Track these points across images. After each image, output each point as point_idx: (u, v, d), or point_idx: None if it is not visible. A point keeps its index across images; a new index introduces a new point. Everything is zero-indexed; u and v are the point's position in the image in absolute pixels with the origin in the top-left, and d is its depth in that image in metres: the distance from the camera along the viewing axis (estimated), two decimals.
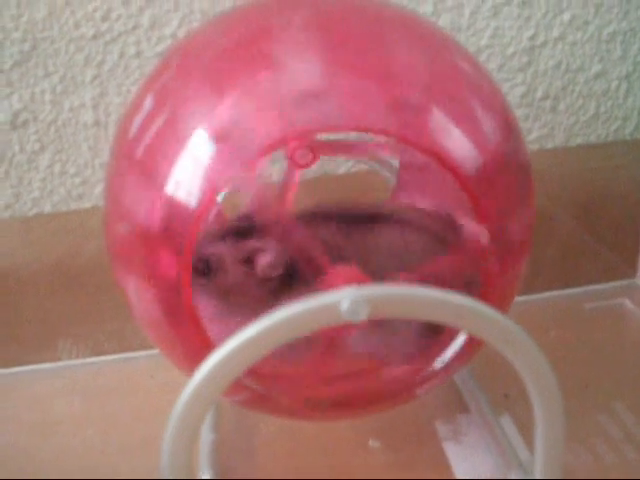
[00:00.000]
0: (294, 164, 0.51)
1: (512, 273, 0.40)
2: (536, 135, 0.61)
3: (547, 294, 0.62)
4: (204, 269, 0.40)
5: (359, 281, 0.35)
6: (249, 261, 0.39)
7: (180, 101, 0.38)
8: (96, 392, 0.56)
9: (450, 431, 0.49)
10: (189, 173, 0.36)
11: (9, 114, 0.56)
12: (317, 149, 0.51)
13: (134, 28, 0.55)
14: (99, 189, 0.58)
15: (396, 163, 0.55)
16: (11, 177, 0.57)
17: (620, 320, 0.59)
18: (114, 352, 0.60)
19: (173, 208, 0.36)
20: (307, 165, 0.52)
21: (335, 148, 0.55)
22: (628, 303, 0.60)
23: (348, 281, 0.36)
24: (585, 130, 0.61)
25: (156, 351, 0.57)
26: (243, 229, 0.40)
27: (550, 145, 0.61)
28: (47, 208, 0.59)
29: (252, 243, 0.39)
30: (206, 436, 0.48)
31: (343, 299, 0.31)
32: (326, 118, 0.35)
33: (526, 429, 0.47)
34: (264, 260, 0.39)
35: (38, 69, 0.55)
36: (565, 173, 0.61)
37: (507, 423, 0.48)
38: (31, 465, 0.50)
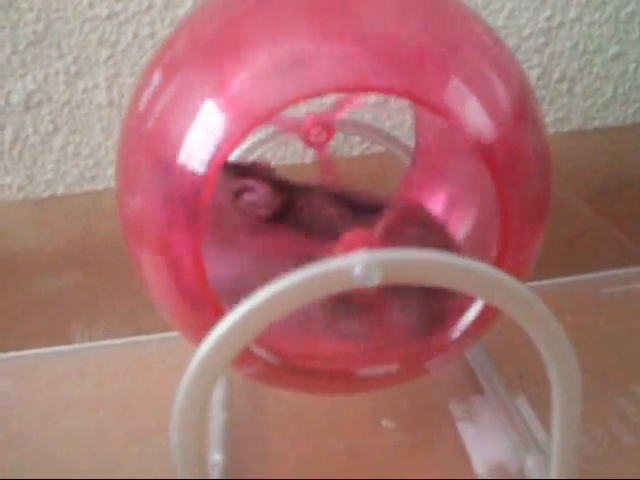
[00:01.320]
0: (309, 143, 0.52)
1: (528, 245, 0.40)
2: (552, 118, 0.60)
3: (563, 279, 0.61)
4: None
5: (371, 245, 0.35)
6: (237, 194, 0.41)
7: (185, 74, 0.38)
8: (108, 375, 0.56)
9: (465, 411, 0.49)
10: (196, 141, 0.36)
11: (23, 95, 0.56)
12: (330, 127, 0.51)
13: (148, 8, 0.54)
14: (112, 170, 0.58)
15: (412, 144, 0.54)
16: (24, 159, 0.57)
17: (638, 305, 0.58)
18: (126, 335, 0.59)
19: (183, 177, 0.36)
20: (322, 144, 0.52)
21: (351, 127, 0.55)
22: None
23: (359, 245, 0.35)
24: (602, 113, 0.60)
25: (168, 334, 0.58)
26: (243, 169, 0.40)
27: (567, 128, 0.61)
28: (60, 190, 0.59)
29: (246, 181, 0.40)
30: (218, 415, 0.48)
31: (356, 264, 0.31)
32: (332, 79, 0.34)
33: (542, 410, 0.46)
34: (250, 197, 0.40)
35: (52, 50, 0.55)
36: (582, 156, 0.61)
37: (522, 404, 0.48)
38: (43, 447, 0.50)
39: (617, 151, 0.61)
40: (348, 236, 0.36)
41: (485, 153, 0.37)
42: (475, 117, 0.36)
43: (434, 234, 0.44)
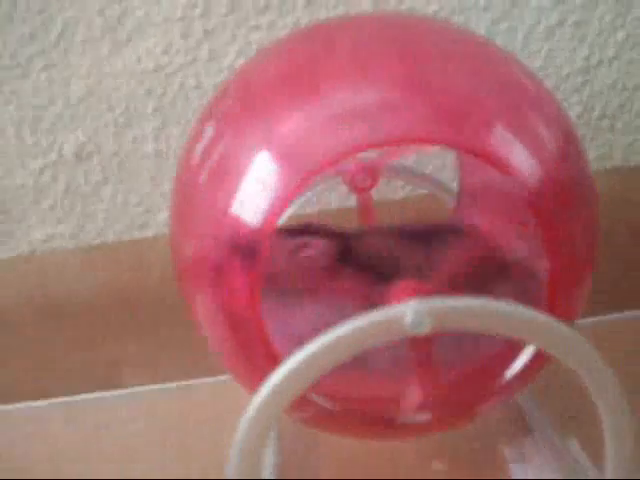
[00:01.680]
0: (354, 188, 0.52)
1: (577, 287, 0.40)
2: (594, 155, 0.60)
3: (613, 316, 0.60)
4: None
5: (422, 294, 0.35)
6: (295, 251, 0.42)
7: (239, 126, 0.39)
8: (160, 419, 0.57)
9: (516, 454, 0.48)
10: (252, 193, 0.36)
11: (74, 147, 0.57)
12: (375, 173, 0.52)
13: (193, 60, 0.56)
14: (161, 217, 0.60)
15: (455, 187, 0.55)
16: (76, 208, 0.59)
17: None
18: (178, 379, 0.60)
19: (239, 228, 0.37)
20: (366, 189, 0.53)
21: (394, 171, 0.56)
22: None
23: (411, 294, 0.36)
24: None
25: (219, 378, 0.59)
26: (299, 228, 0.41)
27: (608, 165, 0.61)
28: (110, 237, 0.60)
29: (302, 237, 0.41)
30: (269, 460, 0.48)
31: (407, 311, 0.31)
32: (382, 133, 0.35)
33: (594, 452, 0.46)
34: (308, 250, 0.41)
35: (102, 103, 0.57)
36: (624, 193, 0.61)
37: (574, 446, 0.47)
38: None
39: None
40: (401, 284, 0.37)
41: (532, 197, 0.37)
42: (521, 162, 0.37)
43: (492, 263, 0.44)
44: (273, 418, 0.33)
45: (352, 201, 0.56)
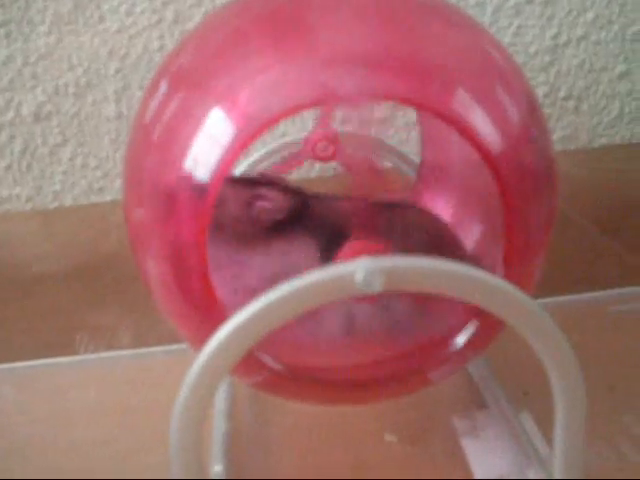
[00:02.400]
0: (315, 156, 0.52)
1: (533, 259, 0.40)
2: (559, 136, 0.60)
3: (568, 297, 0.61)
4: None
5: (375, 252, 0.35)
6: (249, 202, 0.41)
7: (191, 83, 0.38)
8: (112, 385, 0.56)
9: (468, 426, 0.48)
10: (202, 149, 0.36)
11: (33, 107, 0.56)
12: (337, 141, 0.51)
13: (158, 22, 0.55)
14: (120, 183, 0.59)
15: (418, 160, 0.55)
16: (33, 170, 0.58)
17: None
18: (131, 347, 0.59)
19: (189, 185, 0.36)
20: (328, 158, 0.52)
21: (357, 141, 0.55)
22: None
23: (364, 252, 0.35)
24: (609, 131, 0.60)
25: (173, 347, 0.58)
26: (255, 179, 0.41)
27: (573, 146, 0.61)
28: (68, 201, 0.59)
29: (258, 188, 0.40)
30: (220, 426, 0.48)
31: (358, 269, 0.31)
32: (342, 86, 0.34)
33: (546, 427, 0.46)
34: (262, 203, 0.40)
35: (62, 62, 0.55)
36: (588, 175, 0.61)
37: (526, 420, 0.47)
38: (45, 455, 0.50)
39: (623, 169, 0.61)
40: (352, 243, 0.36)
41: (492, 164, 0.37)
42: (482, 127, 0.37)
43: (446, 242, 0.44)
44: (219, 375, 0.33)
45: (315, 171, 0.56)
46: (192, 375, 0.32)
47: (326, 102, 0.34)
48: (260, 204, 0.41)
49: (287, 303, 0.32)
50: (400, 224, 0.43)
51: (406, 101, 0.35)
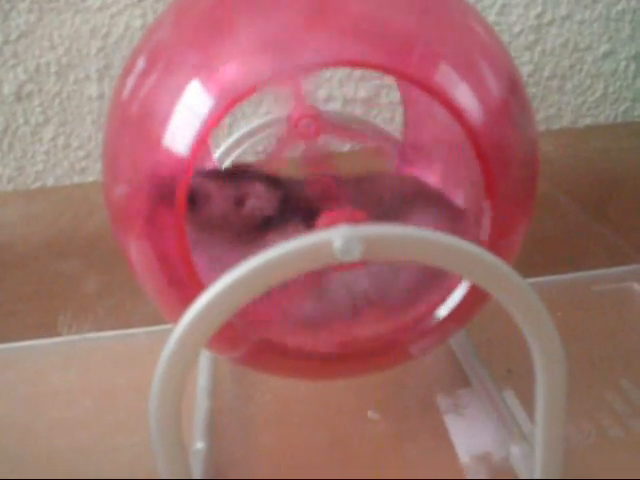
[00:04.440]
0: (298, 135, 0.51)
1: (513, 232, 0.39)
2: (543, 115, 0.60)
3: (553, 277, 0.60)
4: (192, 201, 0.40)
5: (354, 221, 0.35)
6: (238, 201, 0.40)
7: (168, 56, 0.38)
8: (94, 367, 0.56)
9: (451, 404, 0.48)
10: (180, 122, 0.36)
11: (14, 85, 0.56)
12: (320, 119, 0.51)
13: (140, 0, 0.55)
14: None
15: (400, 139, 0.55)
16: (15, 149, 0.57)
17: (627, 303, 0.58)
18: (113, 328, 0.59)
19: (166, 159, 0.36)
20: (310, 136, 0.52)
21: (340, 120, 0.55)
22: (636, 287, 0.59)
23: (343, 221, 0.35)
24: (593, 111, 0.60)
25: (155, 327, 0.58)
26: (237, 173, 0.40)
27: (557, 126, 0.61)
28: (50, 181, 0.59)
29: (243, 184, 0.39)
30: (202, 403, 0.47)
31: (336, 237, 0.31)
32: (315, 55, 0.34)
33: (529, 404, 0.46)
34: (253, 201, 0.40)
35: (44, 41, 0.55)
36: (572, 154, 0.61)
37: (510, 397, 0.47)
38: (27, 436, 0.50)
39: (608, 149, 0.61)
40: (332, 212, 0.36)
41: (472, 136, 0.37)
42: (463, 99, 0.36)
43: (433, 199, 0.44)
44: (197, 346, 0.32)
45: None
46: (170, 346, 0.32)
47: (304, 71, 0.34)
48: (251, 202, 0.41)
49: (265, 272, 0.31)
50: (376, 192, 0.42)
51: (386, 70, 0.35)
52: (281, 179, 0.44)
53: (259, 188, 0.41)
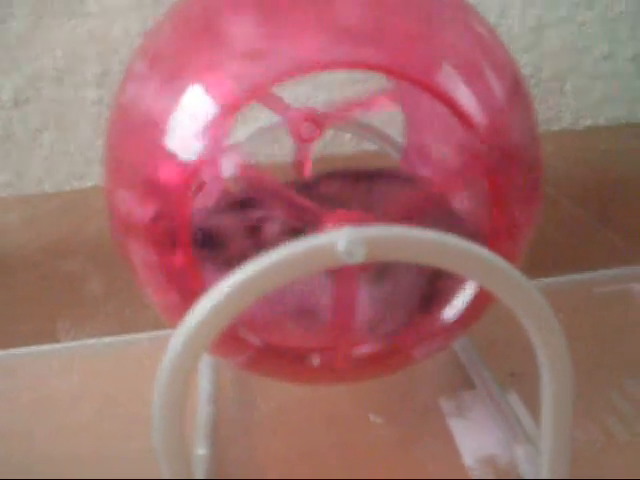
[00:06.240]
0: (299, 138, 0.51)
1: (517, 233, 0.39)
2: (542, 117, 0.60)
3: (556, 279, 0.60)
4: (208, 241, 0.40)
5: (358, 222, 0.35)
6: (255, 229, 0.39)
7: (169, 61, 0.38)
8: (94, 372, 0.55)
9: (455, 407, 0.48)
10: (181, 128, 0.35)
11: (11, 91, 0.55)
12: (322, 122, 0.51)
13: (138, 5, 0.54)
14: (101, 168, 0.58)
15: (403, 142, 0.54)
16: (13, 156, 0.57)
17: (628, 304, 0.58)
18: (114, 333, 0.58)
19: (169, 165, 0.36)
20: (312, 139, 0.52)
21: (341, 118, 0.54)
22: (637, 288, 0.59)
23: (348, 222, 0.35)
24: (592, 112, 0.60)
25: (155, 333, 0.57)
26: (245, 200, 0.40)
27: (557, 127, 0.61)
28: (49, 187, 0.58)
29: (257, 213, 0.39)
30: (204, 409, 0.47)
31: (340, 239, 0.31)
32: (324, 56, 0.34)
33: (533, 406, 0.46)
34: (273, 228, 0.39)
35: (42, 46, 0.55)
36: (572, 156, 0.61)
37: (513, 400, 0.47)
38: (28, 441, 0.49)
39: (608, 150, 0.61)
40: (337, 213, 0.35)
41: (476, 137, 0.36)
42: (466, 100, 0.36)
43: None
44: (199, 351, 0.32)
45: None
46: (173, 349, 0.32)
47: (309, 70, 0.34)
48: (271, 228, 0.40)
49: (269, 274, 0.31)
50: (386, 196, 0.42)
51: (389, 72, 0.35)
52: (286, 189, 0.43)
53: (272, 210, 0.40)
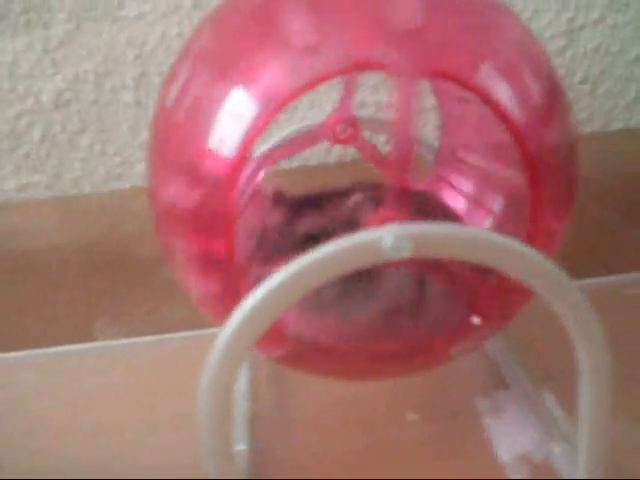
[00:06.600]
0: (334, 139, 0.52)
1: (555, 232, 0.40)
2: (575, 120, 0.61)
3: (586, 281, 0.60)
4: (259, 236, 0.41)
5: (402, 220, 0.35)
6: (300, 227, 0.41)
7: (212, 63, 0.38)
8: (132, 371, 0.56)
9: (490, 406, 0.48)
10: (225, 128, 0.36)
11: (52, 94, 0.56)
12: (355, 123, 0.52)
13: (176, 8, 0.55)
14: (138, 169, 0.59)
15: (436, 144, 0.55)
16: (52, 157, 0.58)
17: None
18: (149, 333, 0.59)
19: (215, 163, 0.37)
20: (347, 141, 0.52)
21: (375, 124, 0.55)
22: None
23: (392, 220, 0.35)
24: (625, 114, 0.60)
25: (190, 333, 0.58)
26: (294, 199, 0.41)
27: (589, 130, 0.61)
28: (87, 188, 0.59)
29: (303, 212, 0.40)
30: (241, 406, 0.48)
31: (386, 235, 0.31)
32: (351, 59, 0.35)
33: (568, 405, 0.46)
34: (316, 227, 0.40)
35: (82, 49, 0.56)
36: (604, 158, 0.61)
37: (549, 399, 0.47)
38: (64, 438, 0.50)
39: (638, 153, 0.61)
40: (382, 211, 0.36)
41: (517, 137, 0.37)
42: (508, 101, 0.37)
43: None
44: (245, 348, 0.33)
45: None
46: (220, 345, 0.33)
47: (336, 75, 0.34)
48: (313, 227, 0.41)
49: (315, 270, 0.32)
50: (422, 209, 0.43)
51: (432, 74, 0.35)
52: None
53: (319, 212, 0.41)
